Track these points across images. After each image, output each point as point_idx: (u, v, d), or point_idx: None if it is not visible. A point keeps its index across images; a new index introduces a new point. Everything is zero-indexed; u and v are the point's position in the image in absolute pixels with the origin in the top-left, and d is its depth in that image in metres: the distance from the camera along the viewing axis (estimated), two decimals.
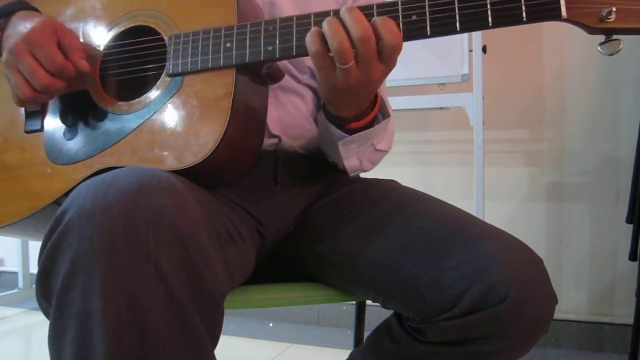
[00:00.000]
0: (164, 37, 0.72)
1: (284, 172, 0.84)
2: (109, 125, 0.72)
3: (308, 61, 0.83)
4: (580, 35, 0.63)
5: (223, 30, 0.69)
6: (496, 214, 1.84)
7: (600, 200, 1.82)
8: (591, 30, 0.61)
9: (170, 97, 0.69)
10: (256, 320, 2.20)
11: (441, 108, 1.87)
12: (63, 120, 0.76)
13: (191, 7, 0.72)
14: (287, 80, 0.81)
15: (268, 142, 0.82)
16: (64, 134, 0.75)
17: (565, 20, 0.60)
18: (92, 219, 0.49)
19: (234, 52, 0.68)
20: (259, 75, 0.72)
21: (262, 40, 0.67)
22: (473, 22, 0.61)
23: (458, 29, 0.62)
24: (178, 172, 0.63)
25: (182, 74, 0.70)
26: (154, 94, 0.71)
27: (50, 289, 0.51)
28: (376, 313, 0.97)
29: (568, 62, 1.85)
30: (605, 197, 1.81)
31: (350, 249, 0.76)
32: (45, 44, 0.68)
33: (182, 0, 0.73)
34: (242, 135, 0.69)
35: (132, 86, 0.75)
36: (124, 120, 0.71)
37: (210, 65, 0.69)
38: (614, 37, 0.61)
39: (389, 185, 0.85)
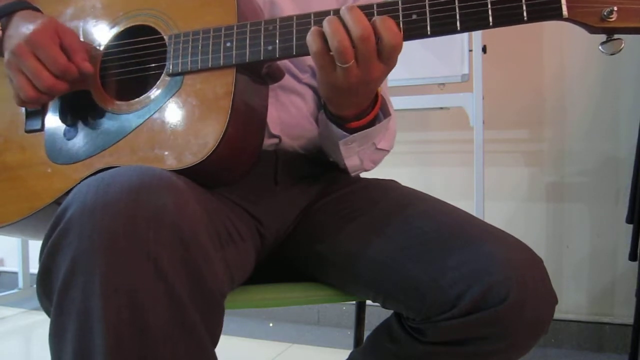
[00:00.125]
0: (164, 37, 0.72)
1: (284, 172, 0.84)
2: (109, 124, 0.72)
3: (309, 60, 0.83)
4: (581, 35, 0.63)
5: (223, 30, 0.69)
6: (496, 214, 1.84)
7: (600, 200, 1.82)
8: (592, 30, 0.61)
9: (170, 97, 0.69)
10: (256, 320, 2.20)
11: (441, 108, 1.86)
12: (63, 120, 0.76)
13: (191, 6, 0.72)
14: (287, 80, 0.81)
15: (268, 142, 0.81)
16: (65, 133, 0.75)
17: (567, 19, 0.60)
18: (93, 217, 0.49)
19: (234, 52, 0.68)
20: (259, 74, 0.72)
21: (262, 40, 0.67)
22: (473, 22, 0.61)
23: (458, 28, 0.62)
24: (178, 172, 0.63)
25: (182, 73, 0.70)
26: (154, 93, 0.71)
27: (51, 287, 0.51)
28: (376, 313, 0.97)
29: (568, 62, 1.85)
30: (605, 197, 1.81)
31: (350, 249, 0.76)
32: (48, 46, 0.68)
33: (182, 0, 0.73)
34: (242, 135, 0.69)
35: (132, 86, 0.75)
36: (124, 119, 0.71)
37: (210, 65, 0.69)
38: (616, 36, 0.61)
39: (389, 185, 0.85)
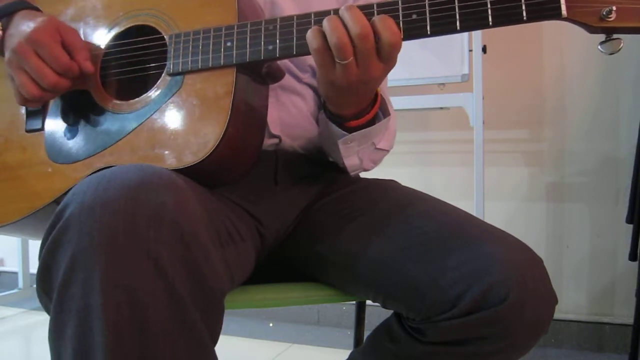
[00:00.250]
0: (165, 37, 0.72)
1: (284, 172, 0.84)
2: (110, 124, 0.72)
3: (309, 60, 0.83)
4: (581, 34, 0.63)
5: (223, 30, 0.69)
6: (496, 214, 1.84)
7: (600, 200, 1.82)
8: (591, 30, 0.61)
9: (171, 96, 0.70)
10: (256, 320, 2.20)
11: (441, 108, 1.86)
12: (64, 120, 0.76)
13: (191, 6, 0.72)
14: (288, 79, 0.81)
15: (268, 142, 0.82)
16: (65, 133, 0.75)
17: (566, 19, 0.60)
18: (93, 214, 0.49)
19: (234, 51, 0.68)
20: (259, 74, 0.72)
21: (262, 40, 0.67)
22: (473, 22, 0.61)
23: (458, 28, 0.62)
24: (178, 172, 0.63)
25: (183, 73, 0.70)
26: (154, 93, 0.71)
27: (51, 284, 0.51)
28: (376, 313, 0.97)
29: (568, 62, 1.85)
30: (605, 197, 1.81)
31: (350, 249, 0.76)
32: (50, 44, 0.68)
33: (182, 0, 0.73)
34: (243, 135, 0.69)
35: (133, 85, 0.75)
36: (124, 119, 0.71)
37: (210, 65, 0.69)
38: (615, 36, 0.61)
39: (389, 185, 0.85)
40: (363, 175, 0.92)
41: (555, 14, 0.59)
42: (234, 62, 0.68)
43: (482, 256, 0.64)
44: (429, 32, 0.62)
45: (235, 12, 0.69)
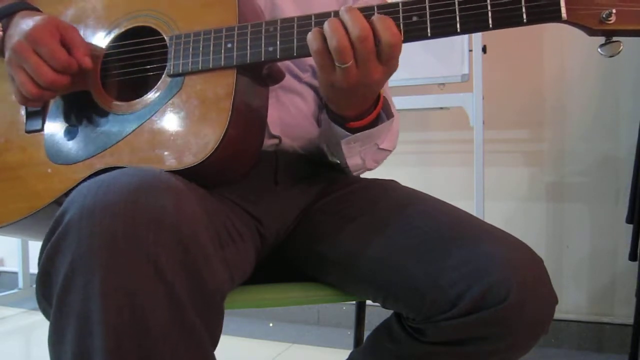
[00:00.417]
0: (165, 38, 0.73)
1: (284, 173, 0.84)
2: (110, 125, 0.72)
3: (310, 59, 0.83)
4: (581, 35, 0.63)
5: (224, 31, 0.69)
6: (496, 214, 1.85)
7: (600, 200, 1.82)
8: (591, 32, 0.61)
9: (171, 98, 0.70)
10: (256, 320, 2.20)
11: (441, 108, 1.87)
12: (64, 120, 0.76)
13: (192, 7, 0.72)
14: (288, 79, 0.81)
15: (268, 142, 0.82)
16: (65, 134, 0.75)
17: (566, 22, 0.60)
18: (92, 218, 0.49)
19: (234, 53, 0.68)
20: (259, 75, 0.72)
21: (263, 41, 0.67)
22: (473, 24, 0.61)
23: (458, 30, 0.62)
24: (178, 173, 0.63)
25: (183, 74, 0.70)
26: (154, 94, 0.71)
27: (51, 290, 0.51)
28: (376, 313, 0.97)
29: (568, 62, 1.85)
30: (605, 197, 1.81)
31: (350, 248, 0.76)
32: (48, 42, 0.68)
33: (182, 1, 0.73)
34: (243, 136, 0.69)
35: (133, 86, 0.75)
36: (124, 120, 0.71)
37: (211, 66, 0.69)
38: (614, 38, 0.61)
39: (389, 185, 0.85)
40: (363, 175, 0.92)
41: (555, 17, 0.59)
42: (235, 63, 0.68)
43: (482, 256, 0.64)
44: (429, 34, 0.62)
45: (236, 14, 0.69)
